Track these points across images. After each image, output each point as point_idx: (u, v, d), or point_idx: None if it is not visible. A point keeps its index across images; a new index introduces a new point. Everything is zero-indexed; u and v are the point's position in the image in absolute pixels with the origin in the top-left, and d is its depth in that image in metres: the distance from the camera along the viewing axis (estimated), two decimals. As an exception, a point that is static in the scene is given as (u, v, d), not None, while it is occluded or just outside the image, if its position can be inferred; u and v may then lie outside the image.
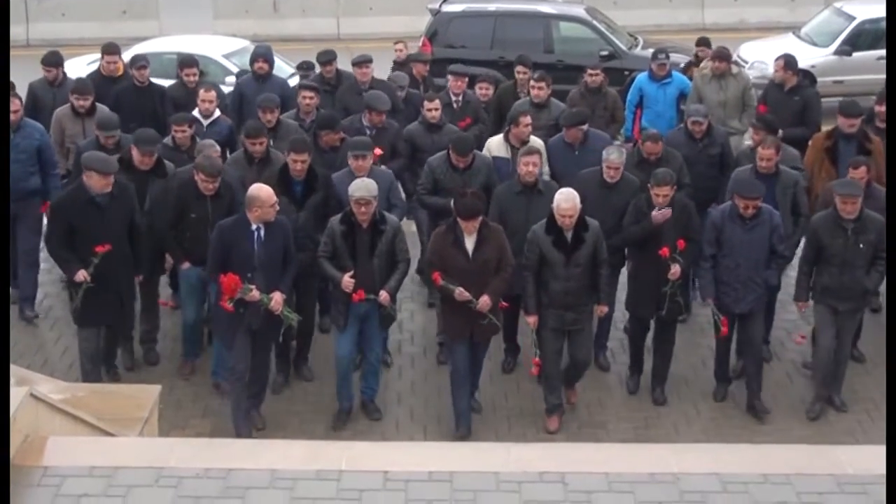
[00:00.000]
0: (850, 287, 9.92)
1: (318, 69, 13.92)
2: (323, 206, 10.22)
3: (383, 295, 9.67)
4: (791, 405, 10.52)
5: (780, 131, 11.54)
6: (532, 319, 9.87)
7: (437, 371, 10.98)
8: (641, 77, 14.03)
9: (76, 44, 17.34)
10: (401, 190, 11.35)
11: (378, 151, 10.82)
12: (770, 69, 17.84)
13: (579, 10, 19.28)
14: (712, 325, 10.36)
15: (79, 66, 16.59)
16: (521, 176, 10.32)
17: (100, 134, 11.08)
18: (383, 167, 10.91)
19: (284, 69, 17.08)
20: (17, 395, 6.68)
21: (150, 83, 13.17)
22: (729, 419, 10.34)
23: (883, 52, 17.66)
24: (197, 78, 13.16)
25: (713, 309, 10.10)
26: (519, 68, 13.35)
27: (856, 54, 18.01)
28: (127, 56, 14.84)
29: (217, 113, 12.19)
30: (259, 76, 13.33)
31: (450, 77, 12.86)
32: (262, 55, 13.50)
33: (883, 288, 10.81)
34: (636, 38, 18.63)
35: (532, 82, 12.47)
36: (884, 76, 14.20)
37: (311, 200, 10.23)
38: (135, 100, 12.74)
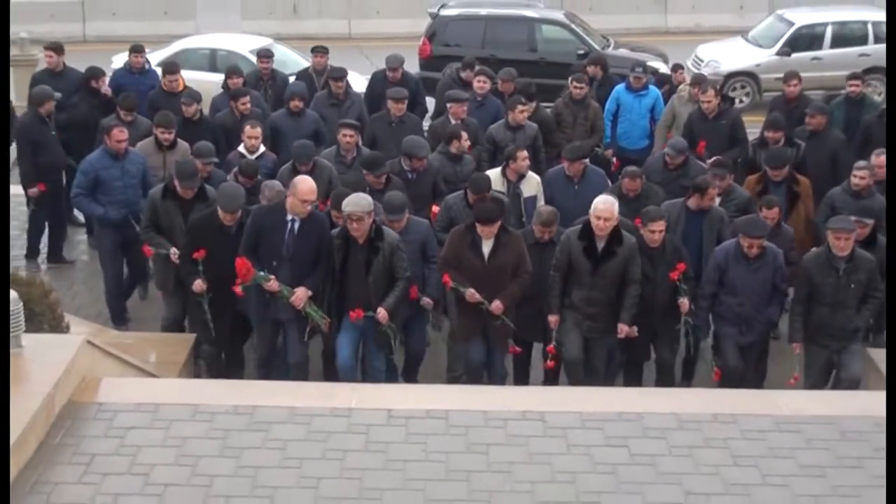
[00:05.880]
0: (841, 326, 8.72)
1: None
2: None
3: (381, 313, 8.25)
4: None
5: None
6: (553, 318, 8.65)
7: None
8: (619, 88, 12.96)
9: (126, 40, 17.09)
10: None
11: (436, 209, 9.68)
12: (721, 66, 18.03)
13: (559, 15, 19.13)
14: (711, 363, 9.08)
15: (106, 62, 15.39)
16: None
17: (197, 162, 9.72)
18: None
19: (301, 63, 16.89)
20: (75, 341, 6.71)
21: (202, 117, 11.61)
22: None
23: (816, 52, 18.02)
24: (248, 106, 11.57)
25: (712, 357, 8.93)
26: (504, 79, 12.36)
27: (794, 55, 18.06)
28: (156, 57, 13.94)
29: (262, 148, 10.71)
30: (294, 113, 11.78)
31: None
32: (299, 94, 11.82)
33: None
34: (608, 40, 18.56)
35: (520, 106, 11.19)
36: (817, 74, 14.11)
37: None
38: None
